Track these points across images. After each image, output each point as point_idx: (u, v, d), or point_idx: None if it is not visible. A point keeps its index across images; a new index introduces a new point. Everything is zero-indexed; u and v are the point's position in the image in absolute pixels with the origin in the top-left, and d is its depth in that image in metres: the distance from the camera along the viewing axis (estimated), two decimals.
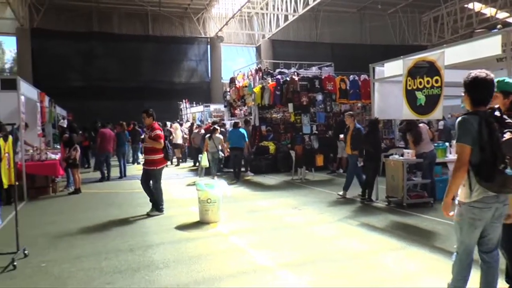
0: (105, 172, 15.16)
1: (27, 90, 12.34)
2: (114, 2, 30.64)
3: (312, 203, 9.98)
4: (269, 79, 16.97)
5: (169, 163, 19.58)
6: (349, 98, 16.85)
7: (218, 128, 14.83)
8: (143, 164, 9.54)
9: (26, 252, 6.28)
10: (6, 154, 5.96)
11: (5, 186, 6.18)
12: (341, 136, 12.58)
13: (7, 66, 33.21)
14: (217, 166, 14.70)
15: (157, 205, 9.23)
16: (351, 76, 16.95)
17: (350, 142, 10.57)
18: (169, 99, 30.79)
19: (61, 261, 6.03)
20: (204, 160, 14.25)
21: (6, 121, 8.53)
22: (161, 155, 9.12)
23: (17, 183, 6.58)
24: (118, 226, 8.11)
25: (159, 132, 9.08)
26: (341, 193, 10.57)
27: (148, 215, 9.04)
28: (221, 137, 14.35)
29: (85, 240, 7.21)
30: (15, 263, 5.79)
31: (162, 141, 8.99)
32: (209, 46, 34.22)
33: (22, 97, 11.34)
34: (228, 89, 20.90)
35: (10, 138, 6.17)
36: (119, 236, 7.30)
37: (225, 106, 21.87)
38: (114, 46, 31.41)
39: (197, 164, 19.06)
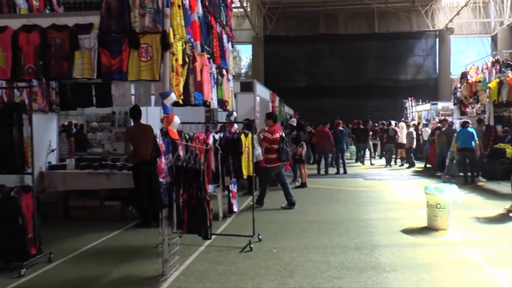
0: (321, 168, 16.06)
1: (261, 92, 13.59)
2: (340, 3, 31.39)
3: None
4: (509, 72, 14.95)
5: (392, 162, 19.19)
6: None
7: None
8: None
9: (260, 237, 6.89)
10: (246, 148, 6.64)
11: (245, 177, 6.89)
12: None
13: (243, 71, 37.40)
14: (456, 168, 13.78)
15: (259, 198, 9.53)
16: None
17: None
18: (393, 97, 30.14)
19: (290, 249, 6.41)
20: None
21: (243, 119, 9.58)
22: (274, 155, 9.33)
23: (254, 174, 7.29)
24: (344, 222, 8.20)
25: (266, 134, 9.37)
26: None
27: (282, 207, 9.61)
28: None
29: (312, 232, 7.51)
30: (251, 245, 6.41)
31: (263, 141, 9.38)
32: (437, 40, 32.18)
33: (257, 98, 12.53)
34: (458, 85, 19.25)
35: (250, 134, 6.83)
36: (344, 233, 7.39)
37: (454, 104, 20.20)
38: (339, 46, 32.30)
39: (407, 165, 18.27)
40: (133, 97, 8.60)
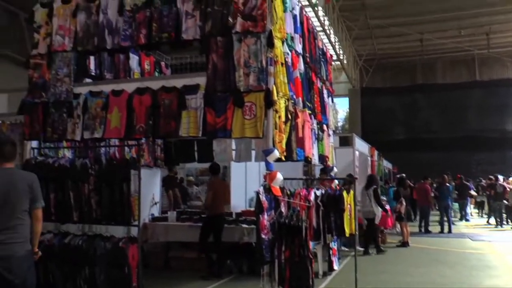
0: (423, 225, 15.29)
1: (360, 146, 13.33)
2: (438, 51, 30.47)
3: None
4: None
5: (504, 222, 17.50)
6: None
7: None
8: None
9: None
10: (348, 205, 6.46)
11: (347, 235, 6.66)
12: None
13: (339, 124, 37.18)
14: None
15: None
16: None
17: None
18: (501, 149, 28.15)
19: None
20: None
21: (341, 175, 9.37)
22: None
23: (356, 232, 7.03)
24: None
25: None
26: None
27: None
28: None
29: None
30: None
31: None
32: None
33: (356, 152, 12.28)
34: None
35: (352, 191, 6.67)
36: None
37: None
38: (438, 96, 31.15)
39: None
40: (233, 152, 8.84)
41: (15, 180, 4.24)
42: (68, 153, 7.46)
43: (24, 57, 10.16)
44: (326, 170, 8.27)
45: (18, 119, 6.86)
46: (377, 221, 10.87)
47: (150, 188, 9.43)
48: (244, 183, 10.79)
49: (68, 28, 6.50)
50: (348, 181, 7.54)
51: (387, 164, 22.59)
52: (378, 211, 10.72)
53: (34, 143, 6.80)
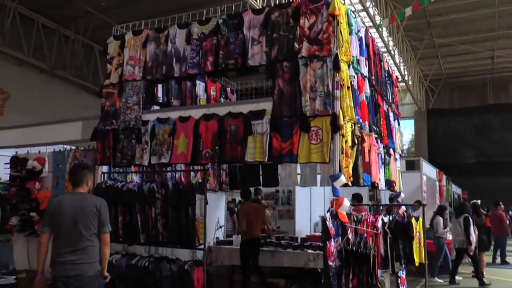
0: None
1: (427, 170, 12.84)
2: (511, 69, 28.93)
3: None
4: None
5: None
6: None
7: None
8: None
9: None
10: (417, 233, 6.20)
11: (416, 264, 6.39)
12: None
13: (405, 147, 36.06)
14: None
15: None
16: None
17: None
18: None
19: None
20: None
21: (408, 200, 9.00)
22: None
23: (426, 262, 6.71)
24: None
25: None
26: None
27: None
28: None
29: None
30: None
31: None
32: None
33: (424, 177, 11.81)
34: None
35: (421, 218, 6.40)
36: None
37: None
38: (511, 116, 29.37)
39: None
40: (298, 177, 8.78)
41: (85, 204, 4.42)
42: (136, 178, 7.70)
43: (97, 87, 10.77)
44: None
45: (91, 145, 7.21)
46: (471, 251, 10.38)
47: (215, 212, 9.51)
48: (309, 207, 10.66)
49: (138, 58, 6.79)
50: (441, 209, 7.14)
51: (456, 189, 21.50)
52: (473, 239, 10.21)
53: (105, 168, 7.09)
